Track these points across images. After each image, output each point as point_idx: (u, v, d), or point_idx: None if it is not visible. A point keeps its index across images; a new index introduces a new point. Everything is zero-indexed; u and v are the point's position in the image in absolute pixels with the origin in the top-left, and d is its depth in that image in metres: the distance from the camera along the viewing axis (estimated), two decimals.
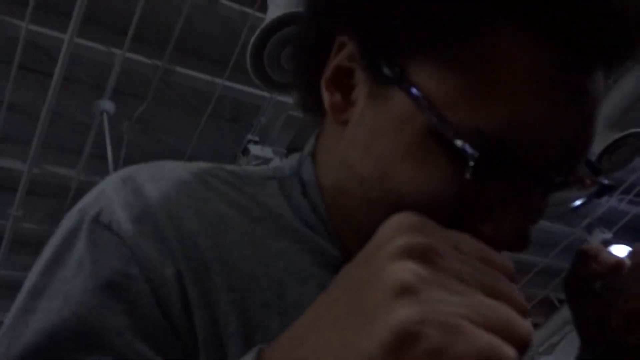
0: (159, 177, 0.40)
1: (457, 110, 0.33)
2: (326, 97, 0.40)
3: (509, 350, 0.25)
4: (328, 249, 0.41)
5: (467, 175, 0.32)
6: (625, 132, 1.90)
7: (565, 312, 3.45)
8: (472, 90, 0.34)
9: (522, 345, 0.26)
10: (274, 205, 0.43)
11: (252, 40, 1.42)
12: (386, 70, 0.36)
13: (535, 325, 3.03)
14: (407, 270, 0.26)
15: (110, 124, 1.78)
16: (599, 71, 0.36)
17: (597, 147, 1.92)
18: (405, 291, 0.25)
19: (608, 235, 2.94)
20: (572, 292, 0.49)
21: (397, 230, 0.28)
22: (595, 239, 2.87)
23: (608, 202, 2.88)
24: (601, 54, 0.35)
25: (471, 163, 0.32)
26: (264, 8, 1.51)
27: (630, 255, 0.44)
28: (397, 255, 0.27)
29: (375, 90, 0.38)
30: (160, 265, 0.35)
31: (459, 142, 0.32)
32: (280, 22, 1.37)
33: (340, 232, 0.41)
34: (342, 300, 0.28)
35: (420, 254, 0.27)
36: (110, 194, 0.37)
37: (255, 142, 2.00)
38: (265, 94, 1.87)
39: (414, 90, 0.34)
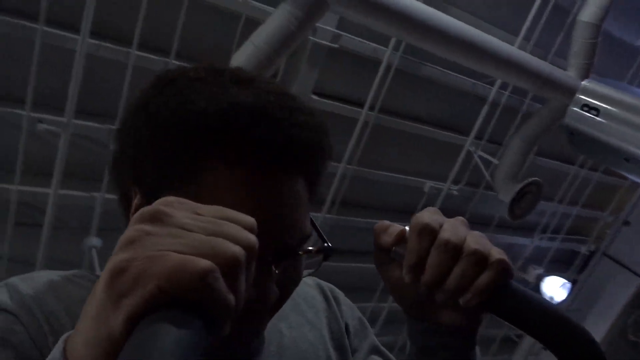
0: (29, 278, 0.52)
1: None
2: None
3: (200, 263, 0.30)
4: None
5: None
6: (525, 182, 2.35)
7: (525, 344, 3.70)
8: None
9: (229, 262, 0.32)
10: None
11: None
12: None
13: None
14: (134, 229, 0.33)
15: (101, 257, 1.98)
16: (291, 181, 0.49)
17: (506, 198, 2.35)
18: (129, 243, 0.32)
19: (540, 270, 3.35)
20: (378, 263, 0.57)
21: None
22: (531, 276, 3.26)
23: (533, 243, 3.32)
24: (277, 169, 0.48)
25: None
26: None
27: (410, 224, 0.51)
28: (132, 223, 0.34)
29: None
30: (37, 328, 0.47)
31: None
32: None
33: None
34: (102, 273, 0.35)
35: (150, 217, 0.34)
36: None
37: None
38: None
39: None
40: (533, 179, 2.38)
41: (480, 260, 0.46)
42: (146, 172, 0.49)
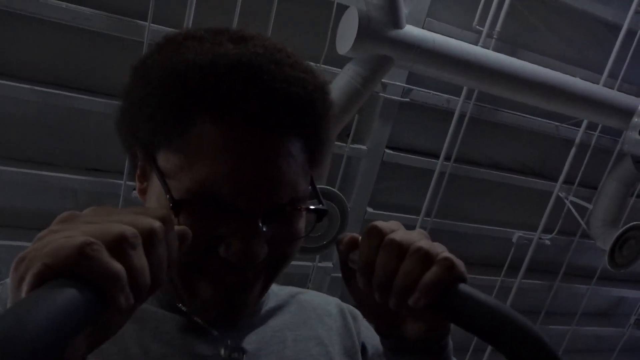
0: None
1: (177, 179, 0.48)
2: (137, 186, 0.56)
3: (78, 238, 0.33)
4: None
5: (176, 219, 0.46)
6: (625, 227, 2.15)
7: None
8: (182, 164, 0.48)
9: (114, 237, 0.34)
10: None
11: None
12: (149, 162, 0.52)
13: None
14: (45, 230, 0.36)
15: None
16: (278, 138, 0.49)
17: (605, 245, 2.16)
18: (36, 240, 0.35)
19: None
20: (344, 277, 0.56)
21: None
22: None
23: None
24: (261, 124, 0.48)
25: (174, 212, 0.47)
26: None
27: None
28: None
29: (151, 176, 0.53)
30: None
31: (169, 200, 0.47)
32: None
33: None
34: None
35: (61, 219, 0.37)
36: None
37: None
38: (309, 262, 2.19)
39: (158, 171, 0.50)
40: (634, 223, 2.17)
41: (426, 258, 0.45)
42: (141, 129, 0.51)
